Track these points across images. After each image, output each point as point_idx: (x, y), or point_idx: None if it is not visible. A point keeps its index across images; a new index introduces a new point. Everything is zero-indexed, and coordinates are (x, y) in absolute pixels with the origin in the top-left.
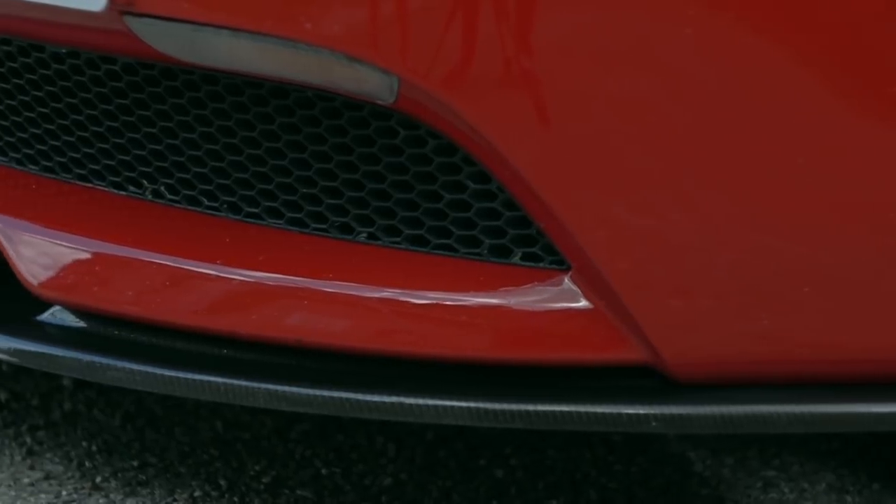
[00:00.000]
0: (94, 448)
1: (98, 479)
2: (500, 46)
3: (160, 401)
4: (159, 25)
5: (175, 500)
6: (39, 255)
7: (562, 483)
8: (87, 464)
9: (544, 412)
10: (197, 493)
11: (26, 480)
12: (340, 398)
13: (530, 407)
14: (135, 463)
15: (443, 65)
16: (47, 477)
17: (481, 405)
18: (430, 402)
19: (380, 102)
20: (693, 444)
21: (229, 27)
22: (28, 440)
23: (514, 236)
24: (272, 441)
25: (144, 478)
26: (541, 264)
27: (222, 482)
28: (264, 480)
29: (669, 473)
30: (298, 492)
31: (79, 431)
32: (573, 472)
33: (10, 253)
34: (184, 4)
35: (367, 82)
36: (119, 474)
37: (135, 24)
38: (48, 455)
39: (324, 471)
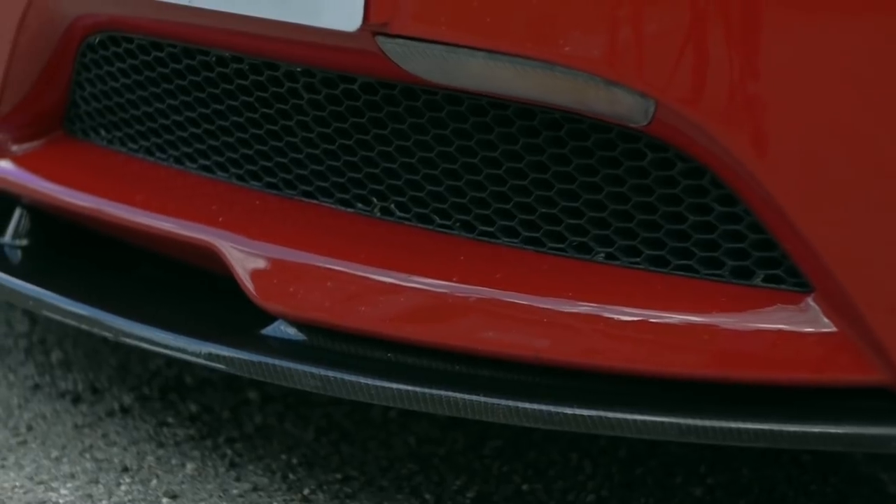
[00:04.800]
0: (294, 461)
1: (306, 492)
2: (758, 71)
3: (348, 415)
4: (411, 46)
5: None
6: (265, 270)
7: (761, 502)
8: (290, 476)
9: (789, 432)
10: None
11: (235, 491)
12: (590, 416)
13: (775, 427)
14: (338, 476)
15: (703, 89)
16: (255, 488)
17: (734, 425)
18: (685, 421)
19: (632, 125)
20: (884, 466)
21: (486, 49)
22: (228, 452)
23: (757, 258)
24: (467, 456)
25: (350, 491)
26: (783, 286)
27: (428, 496)
28: (468, 495)
29: (867, 494)
30: None
31: (275, 444)
32: (770, 492)
33: (236, 268)
34: (440, 27)
35: (622, 105)
36: (324, 487)
37: (386, 45)
38: (250, 467)
39: (524, 486)
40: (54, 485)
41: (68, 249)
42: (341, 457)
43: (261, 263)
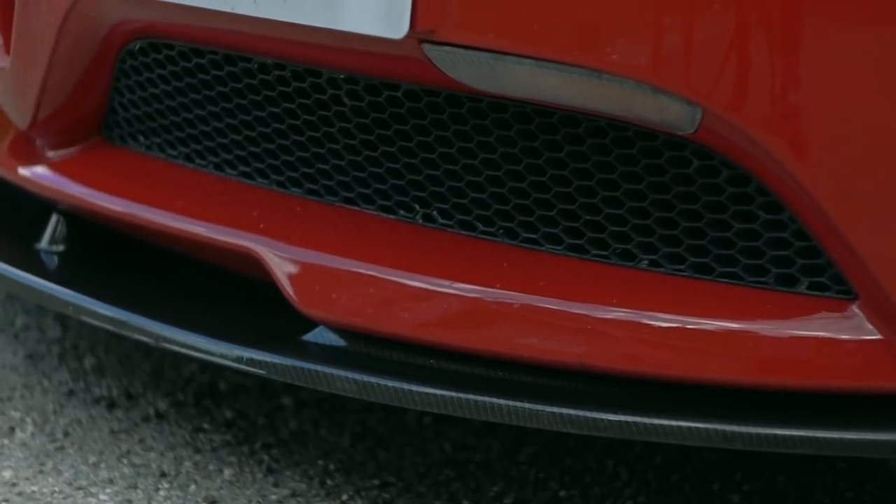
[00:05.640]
0: (331, 467)
1: (344, 497)
2: (804, 77)
3: (383, 421)
4: (458, 54)
5: None
6: (306, 276)
7: None
8: (328, 482)
9: (834, 439)
10: None
11: (274, 497)
12: (635, 423)
13: (820, 434)
14: (375, 482)
15: (750, 96)
16: (294, 494)
17: (779, 432)
18: (729, 427)
19: (678, 133)
20: None
21: (533, 57)
22: (265, 458)
23: (801, 266)
24: (504, 463)
25: (388, 497)
26: (827, 293)
27: (466, 503)
28: (506, 501)
29: None
30: None
31: (311, 450)
32: (807, 499)
33: (277, 274)
34: (487, 35)
35: (669, 112)
36: (363, 493)
37: (432, 53)
38: (287, 473)
39: (562, 493)
40: (93, 490)
41: (105, 255)
42: (378, 463)
43: (302, 270)
